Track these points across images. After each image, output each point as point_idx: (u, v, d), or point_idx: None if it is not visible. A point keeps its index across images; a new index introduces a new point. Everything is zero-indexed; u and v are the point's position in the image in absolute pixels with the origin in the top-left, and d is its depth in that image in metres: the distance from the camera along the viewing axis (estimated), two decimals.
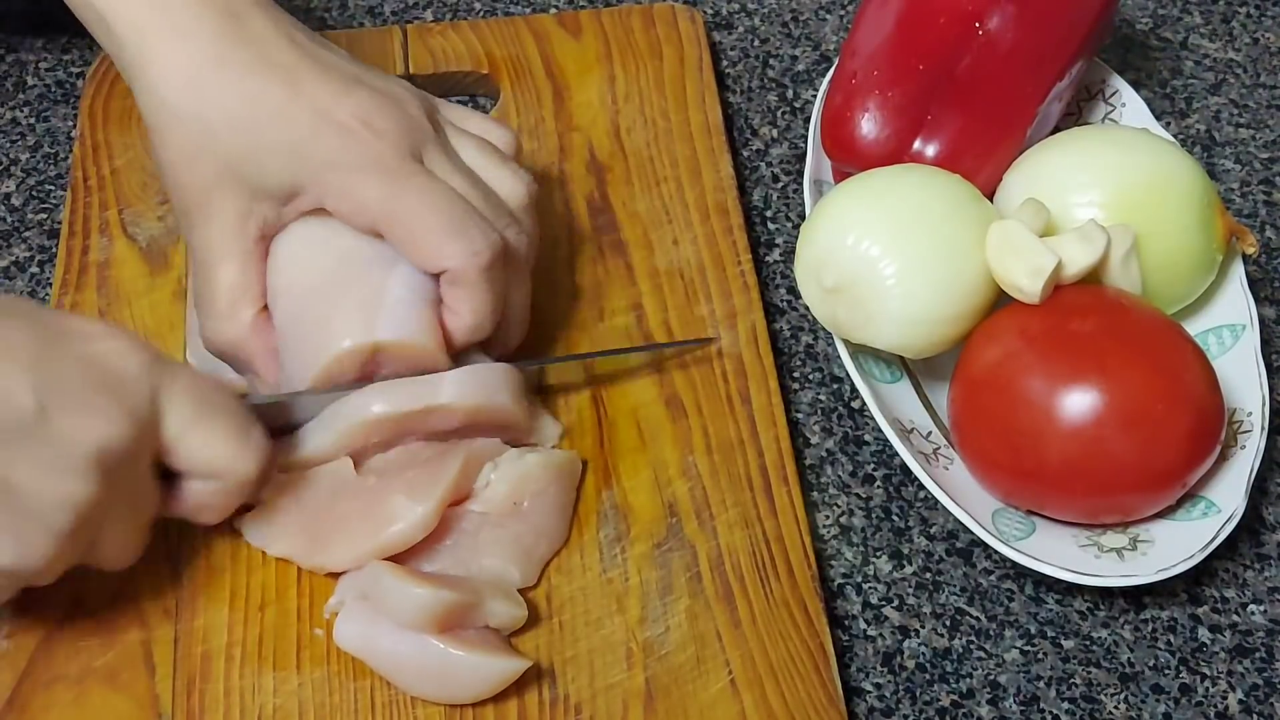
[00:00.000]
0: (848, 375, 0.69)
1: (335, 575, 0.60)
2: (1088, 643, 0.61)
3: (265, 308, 0.62)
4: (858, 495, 0.66)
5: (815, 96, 0.81)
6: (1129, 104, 0.76)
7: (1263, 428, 0.63)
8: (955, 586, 0.63)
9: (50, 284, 0.72)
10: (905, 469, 0.66)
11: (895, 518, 0.65)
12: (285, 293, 0.62)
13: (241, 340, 0.62)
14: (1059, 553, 0.61)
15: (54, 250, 0.73)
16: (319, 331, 0.61)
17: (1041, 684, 0.60)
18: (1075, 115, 0.77)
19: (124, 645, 0.59)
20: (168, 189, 0.62)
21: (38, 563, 0.52)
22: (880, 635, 0.62)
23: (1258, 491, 0.66)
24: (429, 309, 0.61)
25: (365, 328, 0.60)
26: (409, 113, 0.61)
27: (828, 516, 0.65)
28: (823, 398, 0.69)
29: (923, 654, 0.61)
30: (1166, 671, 0.61)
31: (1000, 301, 0.63)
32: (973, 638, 0.61)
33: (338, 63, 0.62)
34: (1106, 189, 0.65)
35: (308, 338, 0.61)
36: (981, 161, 0.69)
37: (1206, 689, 0.60)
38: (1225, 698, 0.60)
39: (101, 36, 0.62)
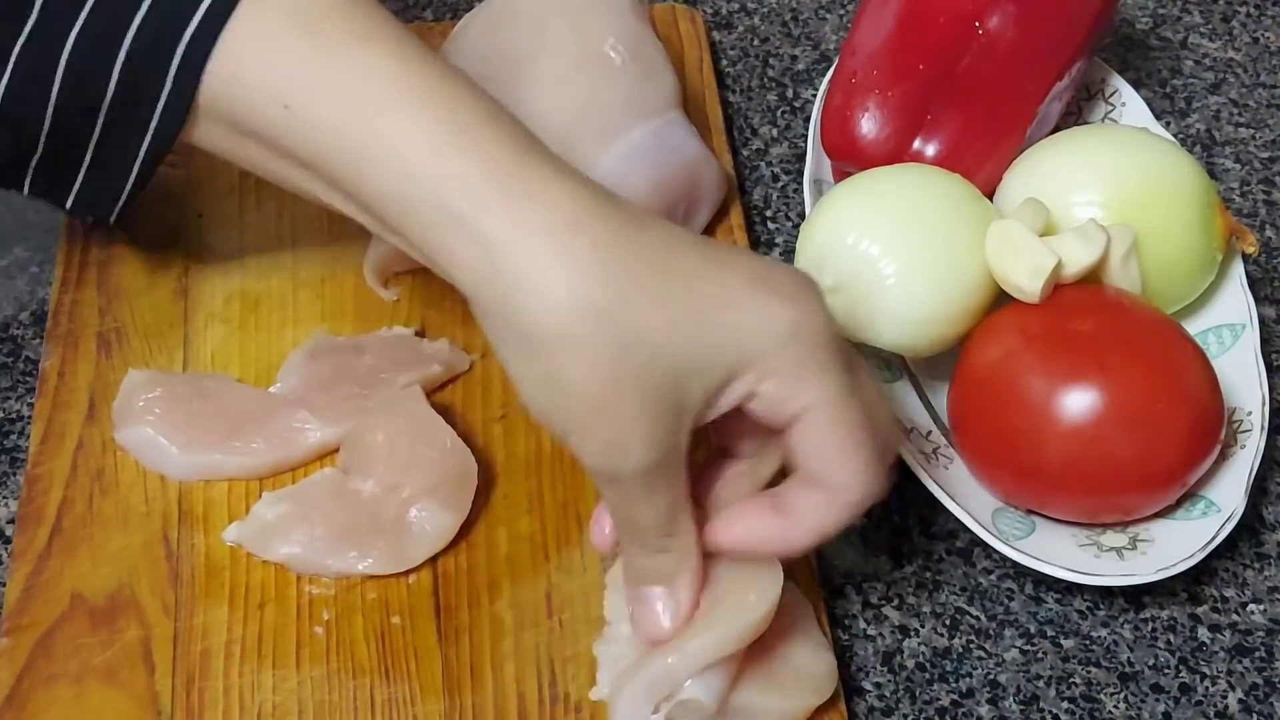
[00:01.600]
0: None
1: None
2: (1087, 642, 0.61)
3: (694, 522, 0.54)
4: None
5: (815, 96, 0.81)
6: (1129, 103, 0.76)
7: (1263, 427, 0.63)
8: (955, 586, 0.63)
9: (50, 283, 0.71)
10: (905, 468, 0.66)
11: (895, 517, 0.65)
12: None
13: (681, 562, 0.54)
14: (1059, 552, 0.61)
15: (54, 249, 0.73)
16: None
17: (1041, 683, 0.60)
18: (1075, 115, 0.77)
19: (123, 643, 0.59)
20: (566, 422, 0.51)
21: None
22: (880, 634, 0.62)
23: (1258, 491, 0.66)
24: None
25: None
26: (820, 311, 0.52)
27: None
28: None
29: (922, 653, 0.61)
30: (1166, 671, 0.61)
31: (1000, 301, 0.63)
32: (972, 637, 0.61)
33: (731, 256, 0.52)
34: (1106, 188, 0.65)
35: None
36: (981, 161, 0.69)
37: (1206, 688, 0.60)
38: (1225, 697, 0.60)
39: (444, 267, 0.51)
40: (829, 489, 0.52)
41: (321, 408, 0.64)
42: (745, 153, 0.80)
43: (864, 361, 0.55)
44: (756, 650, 0.57)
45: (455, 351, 0.67)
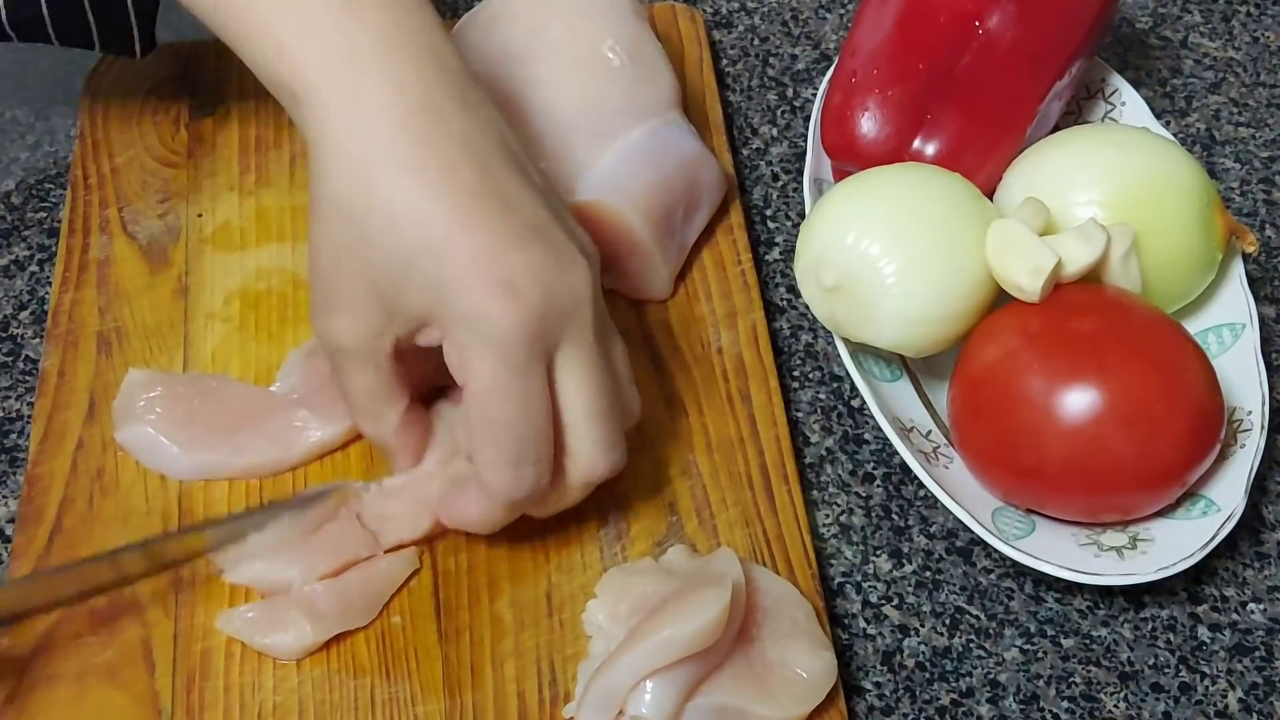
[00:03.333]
0: (847, 374, 0.69)
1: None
2: (1087, 641, 0.61)
3: (410, 402, 0.61)
4: (857, 494, 0.66)
5: (815, 95, 0.81)
6: (1129, 103, 0.76)
7: (1263, 426, 0.63)
8: (955, 585, 0.63)
9: (50, 282, 0.71)
10: (905, 468, 0.66)
11: (895, 516, 0.65)
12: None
13: (384, 436, 0.61)
14: (1059, 551, 0.61)
15: (54, 248, 0.73)
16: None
17: (1041, 683, 0.60)
18: (1075, 114, 0.77)
19: (123, 642, 0.59)
20: (309, 274, 0.58)
21: None
22: (880, 634, 0.62)
23: (1258, 490, 0.66)
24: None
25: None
26: (571, 285, 0.56)
27: (827, 515, 0.65)
28: (823, 396, 0.69)
29: (922, 653, 0.61)
30: (1166, 670, 0.61)
31: (1000, 300, 0.63)
32: (972, 636, 0.61)
33: (522, 201, 0.57)
34: (1106, 188, 0.65)
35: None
36: (981, 160, 0.69)
37: (1206, 688, 0.60)
38: (1225, 696, 0.60)
39: (287, 103, 0.58)
40: (479, 475, 0.57)
41: (321, 406, 0.64)
42: (745, 152, 0.80)
43: (582, 349, 0.57)
44: (753, 653, 0.57)
45: None
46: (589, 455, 0.58)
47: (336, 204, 0.56)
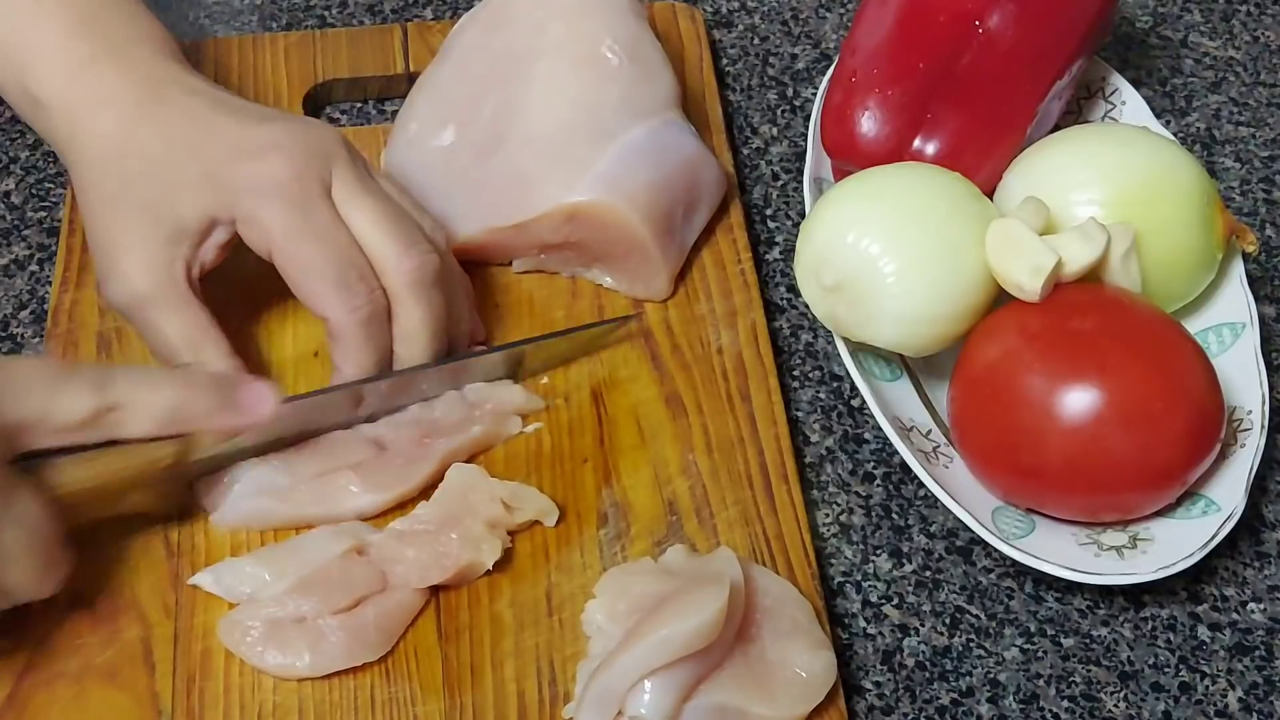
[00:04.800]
0: (847, 373, 0.69)
1: None
2: (1087, 641, 0.61)
3: (227, 348, 0.63)
4: (857, 493, 0.66)
5: (815, 94, 0.81)
6: (1129, 102, 0.76)
7: (1263, 426, 0.63)
8: (955, 585, 0.63)
9: (50, 282, 0.71)
10: (905, 467, 0.66)
11: (895, 516, 0.65)
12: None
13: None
14: (1059, 551, 0.61)
15: (54, 248, 0.73)
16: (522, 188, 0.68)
17: (1041, 682, 0.60)
18: (1075, 113, 0.77)
19: (124, 643, 0.59)
20: (90, 248, 0.63)
21: None
22: (880, 633, 0.62)
23: (1258, 490, 0.66)
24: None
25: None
26: (319, 135, 0.63)
27: (827, 515, 0.65)
28: (822, 396, 0.69)
29: (922, 652, 0.61)
30: (1166, 670, 0.61)
31: (1000, 300, 0.63)
32: (972, 636, 0.61)
33: (255, 108, 0.64)
34: (1106, 187, 0.65)
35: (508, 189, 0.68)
36: (981, 160, 0.69)
37: (1206, 687, 0.60)
38: (1225, 696, 0.60)
39: (39, 121, 0.65)
40: (325, 318, 0.62)
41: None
42: (745, 151, 0.79)
43: (353, 177, 0.62)
44: (753, 652, 0.57)
45: None
46: (392, 257, 0.61)
47: (100, 169, 0.62)
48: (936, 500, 0.63)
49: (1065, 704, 0.60)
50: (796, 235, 0.66)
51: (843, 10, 0.87)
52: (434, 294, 0.63)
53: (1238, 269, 0.69)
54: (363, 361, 0.62)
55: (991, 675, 0.60)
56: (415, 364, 0.63)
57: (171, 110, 0.63)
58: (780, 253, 0.75)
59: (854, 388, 0.69)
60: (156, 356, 0.63)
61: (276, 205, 0.61)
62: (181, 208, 0.61)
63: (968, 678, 0.60)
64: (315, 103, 0.79)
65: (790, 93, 0.83)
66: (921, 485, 0.65)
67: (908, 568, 0.63)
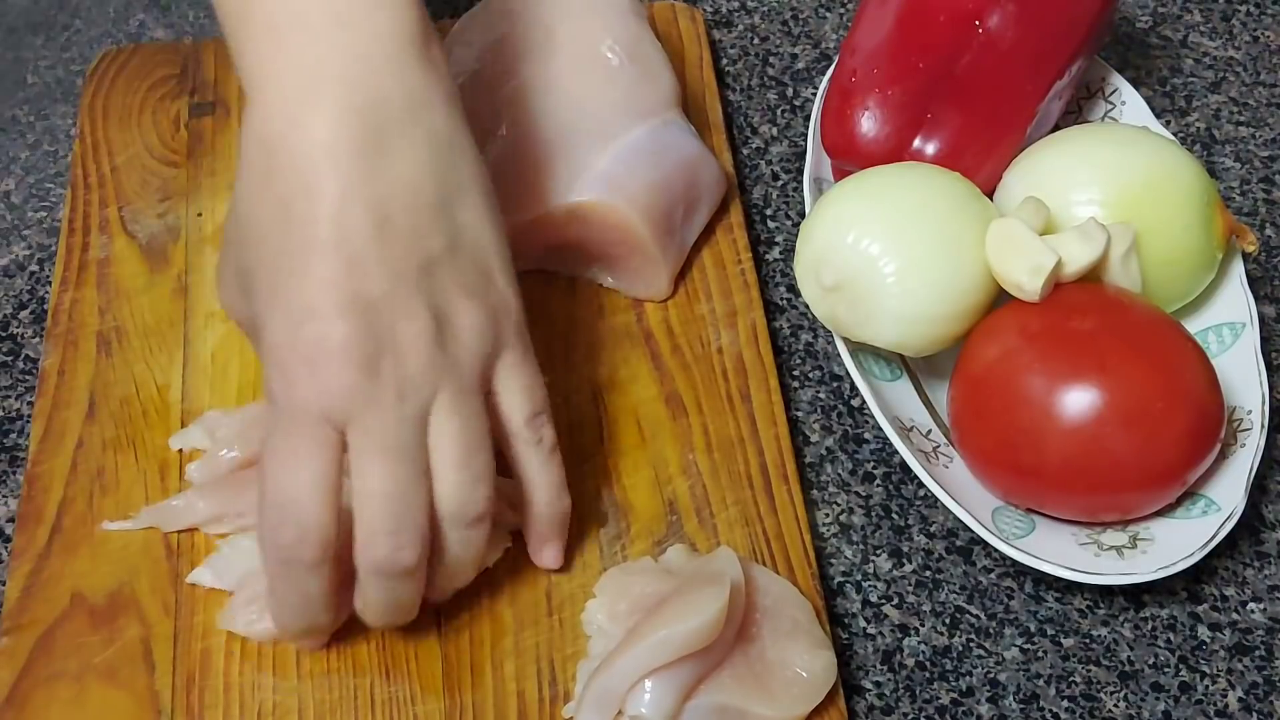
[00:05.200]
0: (847, 373, 0.69)
1: None
2: (1087, 641, 0.61)
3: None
4: (857, 493, 0.66)
5: (815, 94, 0.81)
6: (1129, 102, 0.76)
7: (1263, 426, 0.63)
8: (955, 584, 0.63)
9: (50, 282, 0.72)
10: (905, 467, 0.66)
11: (895, 516, 0.65)
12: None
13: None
14: (1059, 551, 0.61)
15: (54, 248, 0.73)
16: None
17: (1041, 682, 0.60)
18: (1075, 113, 0.77)
19: (123, 642, 0.59)
20: (229, 253, 0.57)
21: None
22: (880, 633, 0.62)
23: (1258, 490, 0.66)
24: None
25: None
26: (423, 362, 0.53)
27: (827, 515, 0.65)
28: (822, 396, 0.69)
29: (922, 652, 0.61)
30: (1166, 670, 0.61)
31: (1000, 299, 0.63)
32: (972, 636, 0.61)
33: (426, 236, 0.53)
34: (1106, 187, 0.65)
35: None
36: (981, 159, 0.69)
37: (1206, 687, 0.60)
38: (1225, 696, 0.60)
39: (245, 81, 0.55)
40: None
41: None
42: (745, 151, 0.80)
43: (379, 434, 0.53)
44: (753, 652, 0.57)
45: None
46: (455, 512, 0.54)
47: (251, 161, 0.53)
48: (936, 500, 0.63)
49: (1065, 704, 0.60)
50: (796, 235, 0.66)
51: (843, 10, 0.87)
52: (478, 534, 0.56)
53: (1238, 269, 0.69)
54: (278, 607, 0.56)
55: (991, 675, 0.60)
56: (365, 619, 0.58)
57: (328, 173, 0.52)
58: (780, 253, 0.75)
59: (854, 388, 0.69)
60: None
61: (275, 421, 0.53)
62: (248, 293, 0.54)
63: (968, 678, 0.60)
64: None
65: (790, 93, 0.83)
66: (921, 485, 0.65)
67: (908, 568, 0.63)
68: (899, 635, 0.61)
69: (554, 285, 0.71)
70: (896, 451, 0.65)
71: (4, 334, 0.70)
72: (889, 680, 0.60)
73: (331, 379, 0.51)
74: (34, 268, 0.73)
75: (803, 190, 0.77)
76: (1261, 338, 0.66)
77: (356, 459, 0.52)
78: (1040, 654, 0.61)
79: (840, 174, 0.72)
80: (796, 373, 0.70)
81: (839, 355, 0.68)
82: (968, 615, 0.62)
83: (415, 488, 0.53)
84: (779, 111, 0.82)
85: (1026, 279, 0.61)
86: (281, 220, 0.52)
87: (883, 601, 0.62)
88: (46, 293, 0.71)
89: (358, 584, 0.55)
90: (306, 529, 0.52)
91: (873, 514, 0.65)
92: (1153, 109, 0.76)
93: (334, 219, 0.52)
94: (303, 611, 0.55)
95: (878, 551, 0.64)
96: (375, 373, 0.52)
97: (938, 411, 0.67)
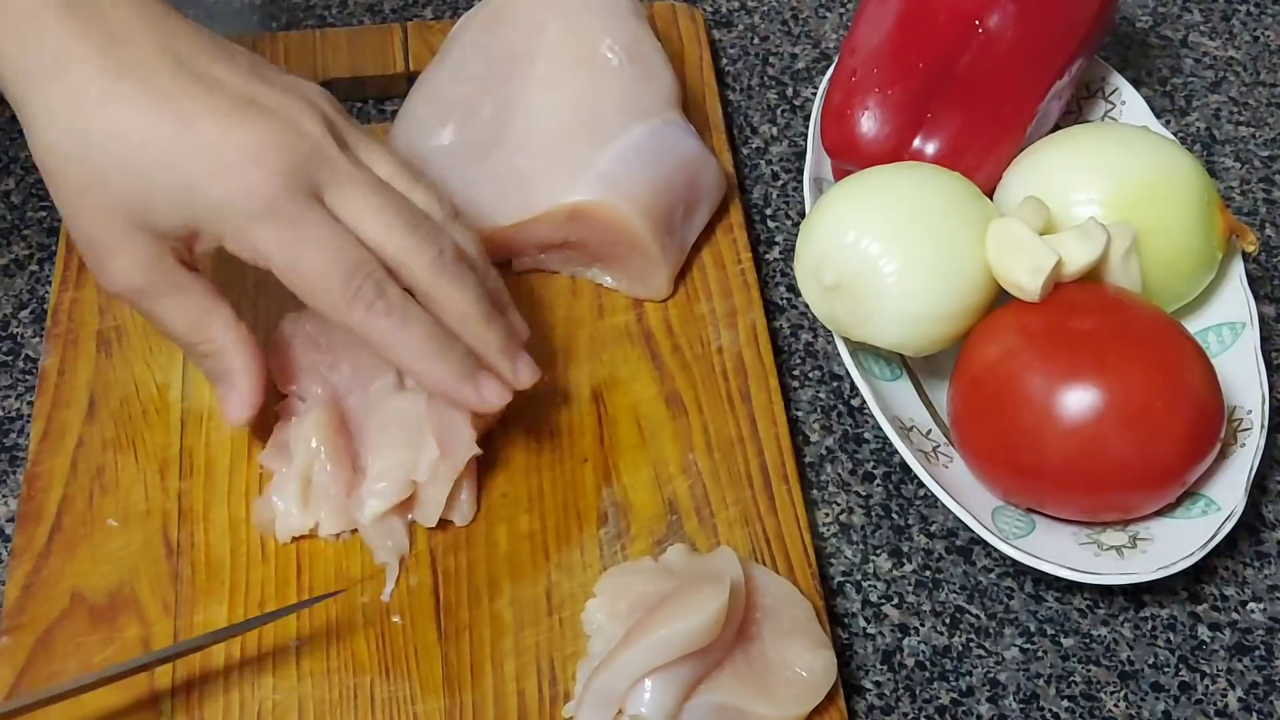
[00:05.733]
0: (847, 373, 0.69)
1: None
2: (1087, 640, 0.61)
3: (234, 312, 0.60)
4: (857, 493, 0.66)
5: (815, 94, 0.81)
6: (1129, 102, 0.76)
7: (1263, 425, 0.63)
8: (955, 584, 0.63)
9: (50, 281, 0.71)
10: (905, 467, 0.66)
11: (895, 516, 0.65)
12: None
13: (224, 357, 0.61)
14: (1058, 550, 0.61)
15: (53, 247, 0.73)
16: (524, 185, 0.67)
17: (1041, 682, 0.60)
18: (1075, 113, 0.77)
19: (123, 641, 0.59)
20: (71, 234, 0.59)
21: None
22: (880, 633, 0.62)
23: (1258, 489, 0.66)
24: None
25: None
26: (307, 134, 0.58)
27: (827, 514, 0.65)
28: (822, 396, 0.69)
29: (922, 652, 0.61)
30: (1166, 669, 0.61)
31: (1000, 299, 0.63)
32: (972, 635, 0.61)
33: (227, 78, 0.58)
34: (1106, 187, 0.65)
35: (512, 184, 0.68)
36: (981, 159, 0.69)
37: (1206, 687, 0.60)
38: (1225, 695, 0.60)
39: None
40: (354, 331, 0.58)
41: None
42: (745, 151, 0.79)
43: (345, 180, 0.58)
44: (753, 652, 0.57)
45: None
46: (407, 253, 0.58)
47: (63, 157, 0.57)
48: (936, 500, 0.63)
49: (1065, 704, 0.60)
50: (796, 235, 0.66)
51: (843, 10, 0.87)
52: (464, 269, 0.59)
53: (1238, 269, 0.69)
54: (410, 342, 0.59)
55: (991, 675, 0.60)
56: (486, 339, 0.60)
57: (135, 85, 0.56)
58: (780, 253, 0.75)
59: (854, 388, 0.69)
60: (168, 338, 0.61)
61: (267, 226, 0.56)
62: (158, 217, 0.57)
63: (968, 677, 0.60)
64: None
65: (790, 93, 0.83)
66: (921, 485, 0.65)
67: (908, 567, 0.63)
68: (899, 635, 0.61)
69: (554, 285, 0.71)
70: (896, 451, 0.65)
71: (4, 334, 0.70)
72: (889, 680, 0.60)
73: (286, 151, 0.57)
74: (34, 267, 0.73)
75: (803, 190, 0.77)
76: (1261, 338, 0.66)
77: (348, 208, 0.58)
78: (1040, 654, 0.61)
79: (840, 174, 0.72)
80: (796, 372, 0.70)
81: (839, 355, 0.68)
82: (968, 615, 0.62)
83: (405, 201, 0.59)
84: (779, 111, 0.82)
85: (1026, 279, 0.61)
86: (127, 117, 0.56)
87: (883, 601, 0.62)
88: (46, 292, 0.71)
89: (428, 301, 0.59)
90: (365, 261, 0.57)
91: (873, 514, 0.65)
92: (1153, 109, 0.76)
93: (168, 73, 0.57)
94: (437, 344, 0.59)
95: (878, 551, 0.64)
96: (307, 134, 0.57)
97: (938, 411, 0.67)
